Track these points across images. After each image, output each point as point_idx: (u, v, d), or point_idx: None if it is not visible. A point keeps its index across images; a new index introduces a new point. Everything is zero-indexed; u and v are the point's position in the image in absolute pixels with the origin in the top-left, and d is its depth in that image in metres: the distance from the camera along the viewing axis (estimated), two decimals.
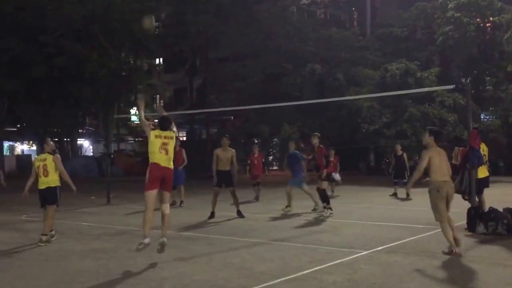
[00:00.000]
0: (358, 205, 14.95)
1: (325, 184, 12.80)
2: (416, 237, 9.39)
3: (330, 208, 12.56)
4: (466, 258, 7.64)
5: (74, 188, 9.82)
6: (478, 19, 27.26)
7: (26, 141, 44.47)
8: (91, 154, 43.57)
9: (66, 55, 29.40)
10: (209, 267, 7.36)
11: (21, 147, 45.86)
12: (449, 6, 27.31)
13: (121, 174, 30.96)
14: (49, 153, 9.82)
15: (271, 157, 38.35)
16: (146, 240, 7.72)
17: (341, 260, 7.54)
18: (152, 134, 8.15)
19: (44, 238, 9.33)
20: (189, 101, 40.54)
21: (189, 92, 40.80)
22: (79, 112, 37.00)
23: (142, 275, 6.99)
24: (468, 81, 27.62)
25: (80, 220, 12.54)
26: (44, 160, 9.72)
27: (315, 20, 35.93)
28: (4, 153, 36.74)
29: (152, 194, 7.90)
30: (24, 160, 37.80)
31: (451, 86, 12.50)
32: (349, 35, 31.65)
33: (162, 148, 8.01)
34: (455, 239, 7.90)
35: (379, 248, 8.35)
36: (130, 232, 10.48)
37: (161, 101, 47.25)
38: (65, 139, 38.57)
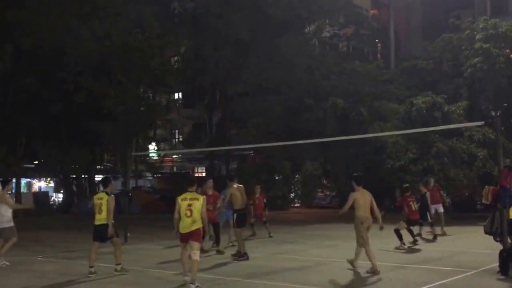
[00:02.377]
0: (382, 246, 14.76)
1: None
2: (445, 281, 9.25)
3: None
4: None
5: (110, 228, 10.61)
6: (507, 50, 27.20)
7: (43, 177, 45.10)
8: None
9: (84, 92, 30.02)
10: None
11: (39, 184, 46.50)
12: (477, 37, 27.31)
13: (139, 211, 31.10)
14: (106, 193, 10.76)
15: (292, 194, 38.25)
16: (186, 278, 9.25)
17: None
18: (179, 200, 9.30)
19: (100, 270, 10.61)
20: (208, 136, 40.84)
21: (208, 127, 41.14)
22: (97, 149, 37.48)
23: None
24: (497, 114, 27.43)
25: (97, 261, 12.59)
26: (101, 199, 10.68)
27: (338, 53, 36.24)
28: (22, 189, 37.21)
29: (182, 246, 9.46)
30: (41, 197, 38.26)
31: (481, 123, 12.44)
32: (372, 68, 31.78)
33: (187, 210, 9.11)
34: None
35: None
36: (147, 274, 10.52)
37: (180, 137, 47.77)
38: (82, 176, 39.01)
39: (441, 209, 17.04)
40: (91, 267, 10.57)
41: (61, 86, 30.77)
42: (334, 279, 9.64)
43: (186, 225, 9.07)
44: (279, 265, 11.18)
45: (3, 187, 12.44)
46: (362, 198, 10.51)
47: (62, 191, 40.37)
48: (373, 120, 27.94)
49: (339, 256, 12.59)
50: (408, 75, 31.09)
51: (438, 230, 16.17)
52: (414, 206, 14.43)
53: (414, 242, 14.18)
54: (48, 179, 45.54)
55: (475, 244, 14.31)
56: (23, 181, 39.72)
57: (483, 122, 12.62)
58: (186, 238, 9.11)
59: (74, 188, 38.75)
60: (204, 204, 9.21)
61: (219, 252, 13.14)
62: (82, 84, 29.79)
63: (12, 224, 12.29)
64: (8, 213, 12.23)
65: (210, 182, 13.78)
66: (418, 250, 13.14)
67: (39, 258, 13.28)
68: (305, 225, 23.51)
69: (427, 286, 8.77)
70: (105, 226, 10.53)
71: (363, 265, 10.63)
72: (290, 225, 22.35)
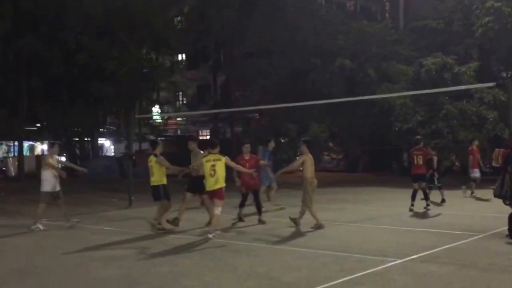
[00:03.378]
0: (389, 209, 14.81)
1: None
2: (453, 244, 9.27)
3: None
4: (508, 268, 7.53)
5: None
6: None
7: (46, 140, 45.15)
8: (112, 154, 44.05)
9: (86, 53, 29.77)
10: (234, 276, 7.40)
11: (41, 147, 46.59)
12: None
13: (143, 174, 31.17)
14: (155, 155, 11.30)
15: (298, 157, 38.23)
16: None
17: (373, 270, 7.50)
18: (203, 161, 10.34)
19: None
20: (213, 98, 40.67)
21: (212, 89, 40.94)
22: (100, 111, 37.42)
23: (165, 284, 7.06)
24: (509, 75, 27.12)
25: (101, 224, 12.72)
26: (151, 161, 11.33)
27: (345, 13, 35.64)
28: (24, 153, 37.29)
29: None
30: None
31: (491, 84, 12.28)
32: (380, 28, 31.27)
33: (211, 170, 10.09)
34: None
35: (413, 256, 8.27)
36: (152, 238, 10.59)
37: (184, 99, 47.57)
38: (85, 139, 39.08)
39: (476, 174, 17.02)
40: (159, 224, 11.20)
41: (62, 47, 30.53)
42: (340, 243, 9.66)
43: (211, 184, 10.17)
44: (285, 230, 11.21)
45: (51, 150, 12.29)
46: (310, 161, 11.33)
47: (65, 154, 40.46)
48: (381, 82, 27.69)
49: (345, 219, 12.65)
50: (418, 35, 30.59)
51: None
52: (418, 160, 13.86)
53: (411, 206, 13.69)
54: (51, 142, 45.51)
55: (483, 208, 14.33)
56: (26, 144, 39.76)
57: (494, 83, 12.48)
58: (211, 195, 10.36)
59: (77, 151, 38.86)
60: (227, 163, 10.27)
61: (261, 222, 12.19)
62: (84, 44, 29.54)
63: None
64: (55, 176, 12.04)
65: (247, 147, 12.62)
66: (426, 214, 13.13)
67: (44, 221, 13.33)
68: None
69: (435, 250, 8.78)
70: (156, 187, 11.15)
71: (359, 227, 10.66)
72: (296, 189, 22.41)
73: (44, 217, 12.23)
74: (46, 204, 12.02)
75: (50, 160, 12.01)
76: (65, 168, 13.54)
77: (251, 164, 12.16)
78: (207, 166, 10.16)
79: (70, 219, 12.31)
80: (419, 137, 15.11)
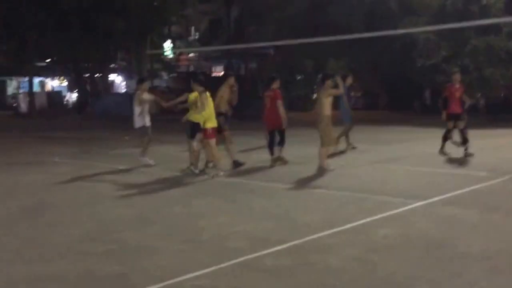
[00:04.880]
0: (410, 149, 14.63)
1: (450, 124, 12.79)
2: (477, 186, 9.12)
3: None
4: None
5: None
6: None
7: (56, 76, 45.16)
8: (124, 90, 43.99)
9: None
10: (249, 217, 7.37)
11: (52, 83, 46.65)
12: None
13: (156, 111, 31.14)
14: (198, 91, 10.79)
15: (315, 95, 37.91)
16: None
17: (393, 212, 7.42)
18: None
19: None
20: (226, 33, 40.02)
21: (226, 23, 40.22)
22: (111, 46, 37.09)
23: (179, 224, 7.06)
24: None
25: (114, 163, 12.71)
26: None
27: None
28: (35, 89, 37.38)
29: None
30: (55, 97, 38.52)
31: None
32: None
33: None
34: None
35: (435, 199, 8.16)
36: (164, 178, 10.59)
37: (196, 34, 46.91)
38: (96, 75, 38.96)
39: None
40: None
41: None
42: (359, 184, 9.58)
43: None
44: (302, 170, 11.13)
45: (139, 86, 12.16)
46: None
47: (76, 91, 40.50)
48: (403, 15, 26.95)
49: (364, 159, 12.53)
50: None
51: None
52: (455, 96, 12.69)
53: (442, 148, 12.92)
54: (62, 78, 45.56)
55: (509, 148, 14.12)
56: (36, 80, 39.78)
57: None
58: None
59: (88, 87, 38.83)
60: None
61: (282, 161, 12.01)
62: None
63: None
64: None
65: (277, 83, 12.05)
66: (451, 155, 12.81)
67: (55, 160, 13.41)
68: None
69: (458, 192, 8.67)
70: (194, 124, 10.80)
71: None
72: (309, 128, 22.29)
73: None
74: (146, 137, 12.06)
75: (144, 97, 11.91)
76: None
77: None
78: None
79: (145, 156, 12.12)
80: (456, 69, 14.07)
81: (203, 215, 7.47)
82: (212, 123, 10.71)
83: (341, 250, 5.82)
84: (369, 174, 10.61)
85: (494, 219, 7.02)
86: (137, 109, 12.02)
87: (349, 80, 14.19)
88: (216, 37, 41.97)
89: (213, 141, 10.72)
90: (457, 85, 12.77)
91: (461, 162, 11.99)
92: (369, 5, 28.15)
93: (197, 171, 10.72)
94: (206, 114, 10.57)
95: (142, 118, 12.00)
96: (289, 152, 12.37)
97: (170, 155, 13.65)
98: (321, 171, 10.74)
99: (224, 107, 11.56)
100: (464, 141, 12.61)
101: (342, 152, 13.40)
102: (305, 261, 5.49)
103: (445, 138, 12.91)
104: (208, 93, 10.68)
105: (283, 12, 31.25)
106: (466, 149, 12.53)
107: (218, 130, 11.19)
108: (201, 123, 10.62)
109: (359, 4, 28.44)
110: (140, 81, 12.54)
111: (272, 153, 11.78)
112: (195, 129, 10.72)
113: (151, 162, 11.98)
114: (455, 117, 12.71)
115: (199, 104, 10.51)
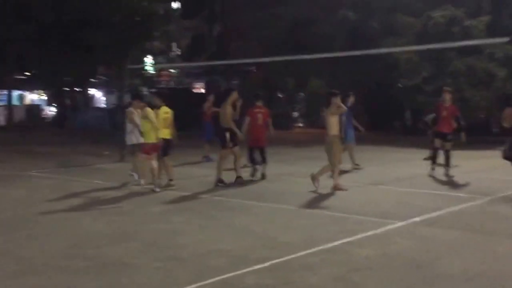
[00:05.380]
0: (392, 169, 14.73)
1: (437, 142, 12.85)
2: (458, 207, 9.20)
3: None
4: None
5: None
6: None
7: (36, 90, 44.90)
8: (104, 105, 43.80)
9: None
10: (229, 235, 7.35)
11: (31, 97, 46.32)
12: None
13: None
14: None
15: (296, 113, 38.08)
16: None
17: (374, 232, 7.45)
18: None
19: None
20: (208, 50, 40.15)
21: (208, 40, 40.38)
22: (91, 61, 36.96)
23: (158, 241, 7.01)
24: None
25: (92, 177, 12.62)
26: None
27: None
28: (14, 102, 37.05)
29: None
30: (34, 110, 38.26)
31: (504, 39, 11.96)
32: None
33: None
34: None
35: (416, 219, 8.22)
36: (144, 194, 10.53)
37: (178, 50, 46.95)
38: (76, 89, 38.78)
39: None
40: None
41: None
42: (340, 203, 9.62)
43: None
44: (283, 189, 11.15)
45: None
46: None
47: (55, 105, 40.25)
48: (386, 35, 27.26)
49: (345, 179, 12.55)
50: None
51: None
52: (444, 116, 12.75)
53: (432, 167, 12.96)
54: (41, 91, 45.33)
55: (490, 170, 14.26)
56: (15, 93, 39.49)
57: (508, 38, 12.12)
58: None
59: (68, 101, 38.62)
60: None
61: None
62: None
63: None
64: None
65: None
66: (431, 176, 12.88)
67: (33, 173, 13.27)
68: (307, 146, 23.50)
69: (440, 212, 8.73)
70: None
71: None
72: (290, 146, 22.40)
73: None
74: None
75: (134, 117, 11.48)
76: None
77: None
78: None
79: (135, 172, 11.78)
80: (447, 88, 13.72)
81: (183, 232, 7.44)
82: (150, 139, 10.68)
83: (322, 270, 5.82)
84: (351, 194, 10.62)
85: (475, 240, 7.08)
86: (128, 126, 11.86)
87: (351, 99, 14.07)
88: (198, 54, 42.05)
89: (144, 156, 10.68)
90: (446, 104, 12.78)
91: (442, 183, 12.10)
92: (351, 24, 28.43)
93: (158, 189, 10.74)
94: (146, 128, 10.66)
95: (133, 135, 11.69)
96: (270, 170, 12.39)
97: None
98: (331, 192, 10.76)
99: (229, 123, 11.49)
100: (447, 163, 12.72)
101: (345, 172, 13.22)
102: (286, 280, 5.48)
103: (434, 158, 12.95)
104: (149, 108, 10.81)
105: (266, 30, 31.45)
106: (447, 170, 12.67)
107: (223, 146, 11.30)
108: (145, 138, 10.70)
109: (342, 24, 28.71)
110: (134, 97, 12.14)
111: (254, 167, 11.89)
112: (166, 145, 10.98)
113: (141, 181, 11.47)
114: (441, 136, 12.76)
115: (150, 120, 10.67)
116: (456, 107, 13.17)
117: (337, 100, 10.71)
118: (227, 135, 11.38)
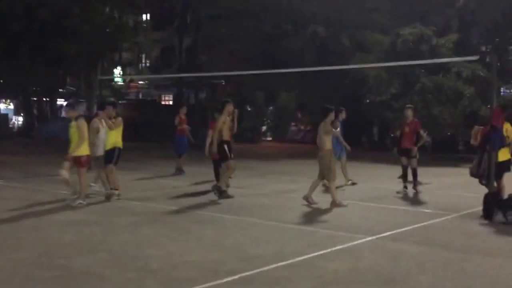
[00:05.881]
0: (361, 184, 14.86)
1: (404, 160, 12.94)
2: (426, 223, 9.34)
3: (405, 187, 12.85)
4: (482, 250, 7.61)
5: None
6: None
7: (3, 99, 44.26)
8: None
9: (48, 8, 28.91)
10: (199, 247, 7.34)
11: None
12: None
13: None
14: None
15: (264, 127, 38.24)
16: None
17: (343, 246, 7.52)
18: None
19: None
20: (178, 62, 40.11)
21: (177, 52, 40.34)
22: (60, 71, 36.65)
23: (127, 252, 6.96)
24: (488, 49, 27.24)
25: (60, 188, 12.44)
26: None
27: None
28: None
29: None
30: (0, 120, 37.63)
31: (475, 57, 12.18)
32: None
33: None
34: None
35: (385, 234, 8.32)
36: (112, 205, 10.46)
37: (147, 62, 46.81)
38: (44, 99, 38.34)
39: None
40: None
41: (23, 1, 29.59)
42: (308, 217, 9.70)
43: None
44: (252, 202, 11.20)
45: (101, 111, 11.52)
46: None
47: (22, 114, 39.68)
48: (355, 51, 27.60)
49: (313, 193, 12.64)
50: (395, 3, 30.42)
51: None
52: (408, 132, 12.96)
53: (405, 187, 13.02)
54: (8, 101, 44.68)
55: (456, 187, 14.54)
56: None
57: (477, 56, 12.35)
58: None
59: (35, 111, 38.14)
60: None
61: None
62: None
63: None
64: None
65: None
66: (399, 192, 13.03)
67: (1, 183, 13.07)
68: (276, 159, 23.61)
69: (408, 228, 8.86)
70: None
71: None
72: (259, 160, 22.46)
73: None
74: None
75: (100, 126, 11.42)
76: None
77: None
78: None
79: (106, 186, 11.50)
80: (409, 105, 14.06)
81: (151, 244, 7.41)
82: (85, 151, 10.48)
83: (292, 283, 5.85)
84: (320, 208, 10.70)
85: (443, 256, 7.17)
86: (91, 137, 11.48)
87: (343, 115, 14.35)
88: (168, 66, 41.97)
89: (83, 170, 10.45)
90: (408, 121, 12.99)
91: (410, 199, 12.30)
92: (321, 39, 28.74)
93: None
94: (82, 140, 10.35)
95: (100, 146, 11.56)
96: (241, 184, 12.42)
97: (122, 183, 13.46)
98: (301, 205, 10.82)
99: (226, 135, 11.41)
100: (414, 180, 12.91)
101: (339, 187, 13.19)
102: None
103: (405, 175, 13.02)
104: (83, 120, 10.49)
105: (236, 43, 31.57)
106: (415, 187, 12.86)
107: (221, 159, 11.19)
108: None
109: (312, 39, 29.01)
110: (102, 105, 11.76)
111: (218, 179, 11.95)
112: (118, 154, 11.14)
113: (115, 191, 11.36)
114: (405, 152, 12.93)
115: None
116: (418, 122, 13.38)
117: (333, 116, 10.95)
118: (226, 147, 11.31)
